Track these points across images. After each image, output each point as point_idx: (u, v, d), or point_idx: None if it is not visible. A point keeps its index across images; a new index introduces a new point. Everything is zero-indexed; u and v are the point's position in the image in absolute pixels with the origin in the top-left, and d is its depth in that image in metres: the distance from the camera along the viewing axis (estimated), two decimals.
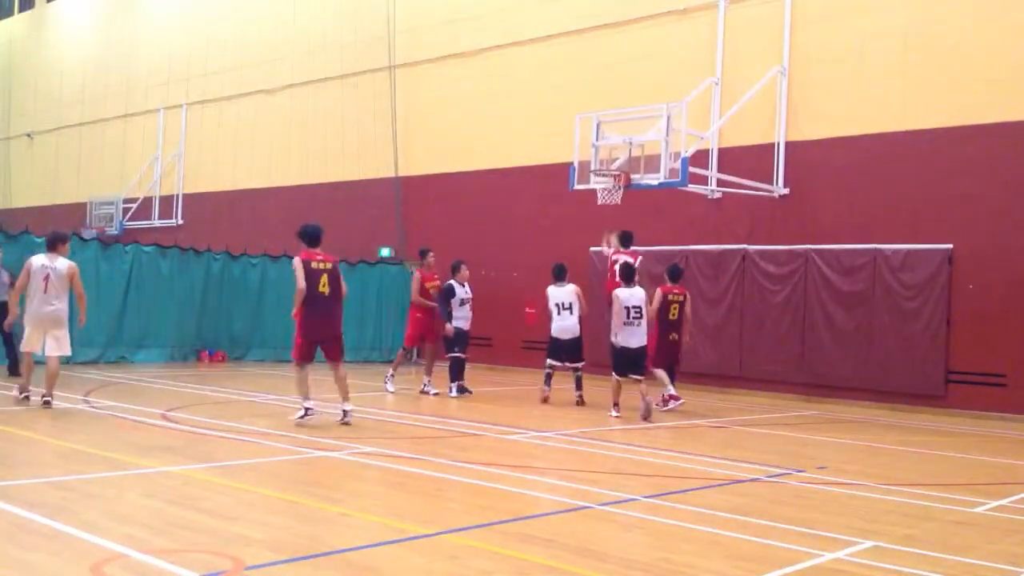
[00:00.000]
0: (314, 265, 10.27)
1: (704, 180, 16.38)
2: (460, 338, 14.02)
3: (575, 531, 5.82)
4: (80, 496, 6.33)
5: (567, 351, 13.59)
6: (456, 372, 14.08)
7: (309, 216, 23.74)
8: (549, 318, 13.90)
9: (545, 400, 13.62)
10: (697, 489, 7.51)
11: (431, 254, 14.70)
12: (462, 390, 14.11)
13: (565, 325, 13.61)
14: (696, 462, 8.83)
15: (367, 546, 5.28)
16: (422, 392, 14.17)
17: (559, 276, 13.91)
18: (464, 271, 14.19)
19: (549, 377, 13.83)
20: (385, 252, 22.28)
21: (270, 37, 25.81)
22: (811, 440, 11.03)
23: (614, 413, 12.11)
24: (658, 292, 13.33)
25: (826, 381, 15.62)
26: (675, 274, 13.60)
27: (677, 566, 5.09)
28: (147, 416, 10.31)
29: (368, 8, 23.22)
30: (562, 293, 13.77)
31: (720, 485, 7.71)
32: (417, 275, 14.61)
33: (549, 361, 13.78)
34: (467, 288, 14.13)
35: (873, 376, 15.11)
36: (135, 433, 9.22)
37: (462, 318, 14.00)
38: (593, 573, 4.89)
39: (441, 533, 5.62)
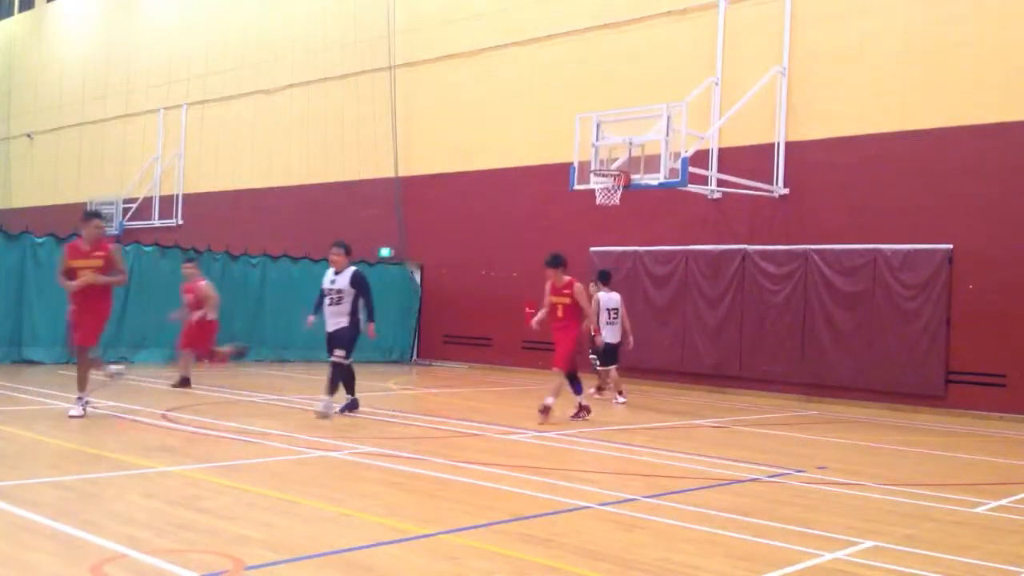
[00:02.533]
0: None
1: (704, 180, 16.40)
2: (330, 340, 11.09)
3: (575, 531, 5.82)
4: (80, 496, 6.32)
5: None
6: (332, 382, 10.91)
7: (309, 215, 23.84)
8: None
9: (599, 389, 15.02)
10: (697, 489, 7.51)
11: (95, 221, 10.36)
12: (352, 406, 11.16)
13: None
14: (696, 462, 8.83)
15: (367, 546, 5.28)
16: (70, 416, 9.89)
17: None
18: (332, 253, 11.13)
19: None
20: (385, 252, 22.28)
21: (270, 37, 25.81)
22: (811, 440, 11.03)
23: (620, 399, 14.15)
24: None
25: (826, 381, 15.62)
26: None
27: (677, 566, 5.09)
28: (147, 416, 10.31)
29: (368, 8, 23.22)
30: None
31: (720, 485, 7.71)
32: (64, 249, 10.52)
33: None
34: (336, 277, 11.00)
35: (873, 376, 15.12)
36: (135, 433, 9.22)
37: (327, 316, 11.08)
38: (593, 573, 4.89)
39: (441, 533, 5.62)
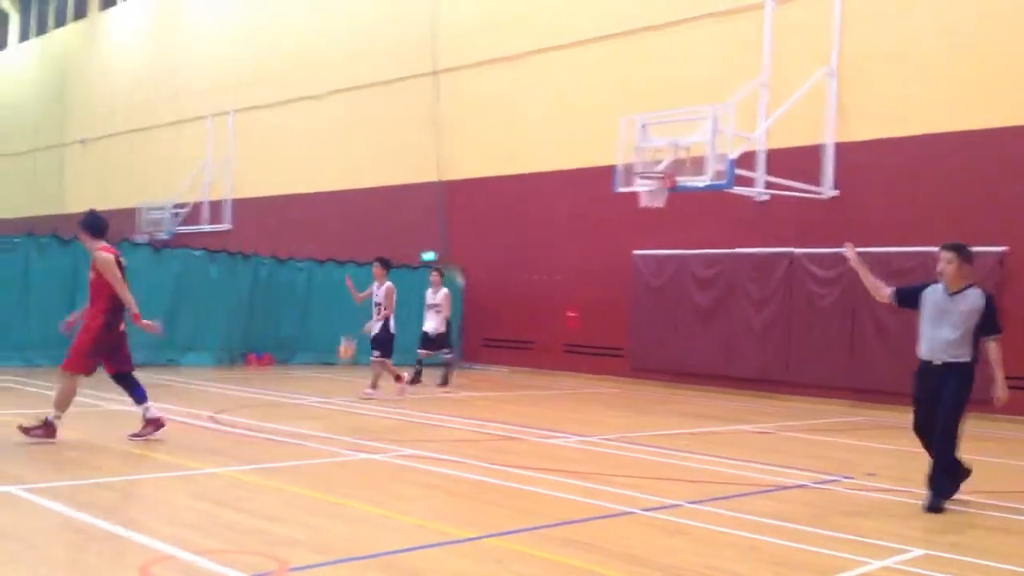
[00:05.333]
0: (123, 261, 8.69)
1: (750, 182, 16.21)
2: None
3: (617, 536, 5.79)
4: (129, 497, 6.44)
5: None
6: None
7: (354, 220, 24.04)
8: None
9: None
10: (742, 495, 7.42)
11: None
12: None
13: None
14: (740, 467, 8.73)
15: (409, 549, 5.30)
16: None
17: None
18: None
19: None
20: (428, 256, 22.36)
21: (315, 44, 26.07)
22: (859, 446, 10.85)
23: (368, 391, 13.44)
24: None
25: (876, 386, 15.35)
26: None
27: (720, 573, 5.05)
28: (195, 418, 10.46)
29: (411, 14, 23.37)
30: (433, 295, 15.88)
31: (765, 491, 7.62)
32: None
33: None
34: None
35: None
36: (183, 435, 9.35)
37: None
38: None
39: (483, 537, 5.62)
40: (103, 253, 8.49)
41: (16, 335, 15.63)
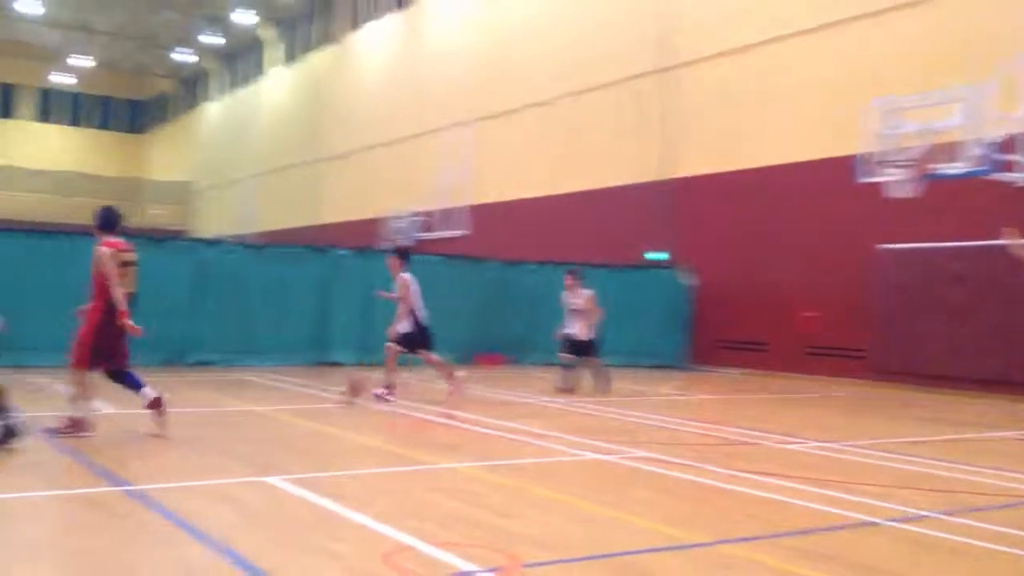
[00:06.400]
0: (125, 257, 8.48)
1: (1013, 167, 14.84)
2: None
3: (858, 547, 5.49)
4: (374, 489, 6.84)
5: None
6: None
7: (586, 221, 24.28)
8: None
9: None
10: (1002, 507, 6.82)
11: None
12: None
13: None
14: (1000, 477, 8.02)
15: (640, 551, 5.29)
16: None
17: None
18: None
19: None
20: (655, 256, 22.17)
21: (545, 49, 26.54)
22: None
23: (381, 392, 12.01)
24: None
25: None
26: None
27: None
28: (433, 415, 10.95)
29: (636, 13, 23.30)
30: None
31: None
32: None
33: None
34: None
35: None
36: (423, 431, 9.82)
37: None
38: None
39: (715, 543, 5.51)
40: (101, 247, 8.32)
41: (276, 338, 17.03)
